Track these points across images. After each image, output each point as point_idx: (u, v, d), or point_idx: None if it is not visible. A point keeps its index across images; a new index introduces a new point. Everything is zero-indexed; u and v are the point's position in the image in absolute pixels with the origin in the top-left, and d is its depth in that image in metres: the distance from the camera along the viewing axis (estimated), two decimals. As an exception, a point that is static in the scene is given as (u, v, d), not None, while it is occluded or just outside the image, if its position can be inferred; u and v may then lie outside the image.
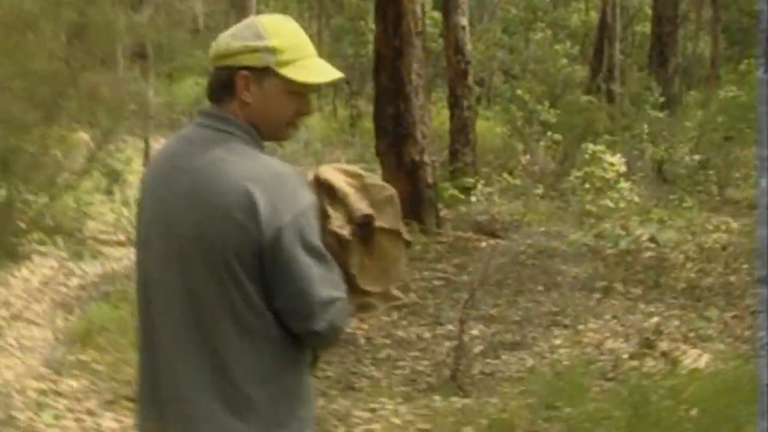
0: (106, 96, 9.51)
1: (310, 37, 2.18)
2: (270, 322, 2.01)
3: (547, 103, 13.30)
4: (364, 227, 2.24)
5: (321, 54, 2.18)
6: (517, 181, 10.69)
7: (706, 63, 24.65)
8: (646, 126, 13.34)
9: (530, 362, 5.74)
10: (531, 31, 21.54)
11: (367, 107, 17.80)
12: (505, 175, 10.72)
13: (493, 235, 9.53)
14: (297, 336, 2.04)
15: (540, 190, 10.78)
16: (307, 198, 2.02)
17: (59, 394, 5.07)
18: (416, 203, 9.36)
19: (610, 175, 9.00)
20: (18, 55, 7.70)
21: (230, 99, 2.06)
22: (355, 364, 5.85)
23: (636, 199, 9.17)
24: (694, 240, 8.34)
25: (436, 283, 7.81)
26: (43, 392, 5.06)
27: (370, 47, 14.91)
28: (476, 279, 5.99)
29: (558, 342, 6.15)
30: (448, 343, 6.04)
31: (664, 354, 5.52)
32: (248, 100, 2.04)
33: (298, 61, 2.07)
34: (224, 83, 2.06)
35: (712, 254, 8.19)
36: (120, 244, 9.91)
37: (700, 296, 7.04)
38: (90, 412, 4.87)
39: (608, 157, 9.18)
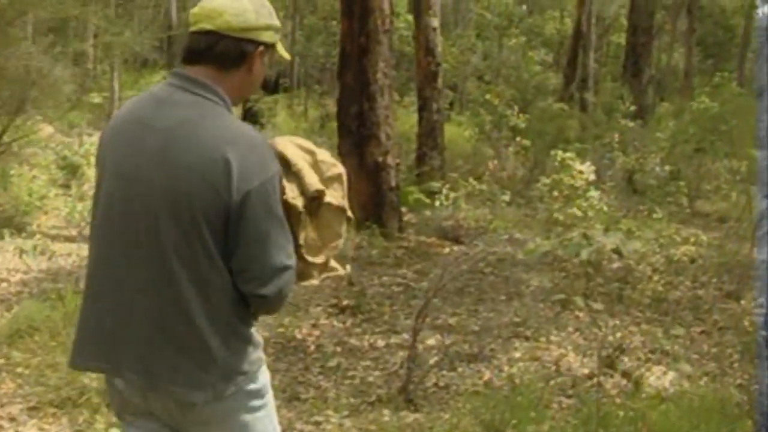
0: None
1: (284, 36, 2.05)
2: (227, 280, 2.11)
3: (516, 108, 13.08)
4: (313, 201, 2.34)
5: (293, 54, 2.09)
6: (484, 187, 10.40)
7: (680, 74, 24.69)
8: (616, 135, 13.21)
9: (487, 375, 5.45)
10: (505, 37, 21.41)
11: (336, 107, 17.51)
12: (471, 180, 10.42)
13: (456, 241, 9.25)
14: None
15: (507, 197, 10.50)
16: (275, 166, 2.14)
17: (-20, 398, 4.73)
18: (378, 206, 8.96)
19: (579, 183, 8.74)
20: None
21: (236, 70, 2.16)
22: (303, 372, 5.53)
23: (605, 208, 8.93)
24: (662, 252, 8.12)
25: (395, 289, 7.49)
26: (-39, 396, 4.72)
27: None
28: (433, 286, 5.67)
29: (518, 355, 5.86)
30: (402, 353, 5.73)
31: (625, 374, 5.26)
32: (256, 73, 2.20)
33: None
34: (235, 55, 2.15)
35: (680, 267, 7.98)
36: (70, 239, 9.56)
37: (667, 310, 6.81)
38: (11, 418, 4.57)
39: (577, 165, 8.91)
